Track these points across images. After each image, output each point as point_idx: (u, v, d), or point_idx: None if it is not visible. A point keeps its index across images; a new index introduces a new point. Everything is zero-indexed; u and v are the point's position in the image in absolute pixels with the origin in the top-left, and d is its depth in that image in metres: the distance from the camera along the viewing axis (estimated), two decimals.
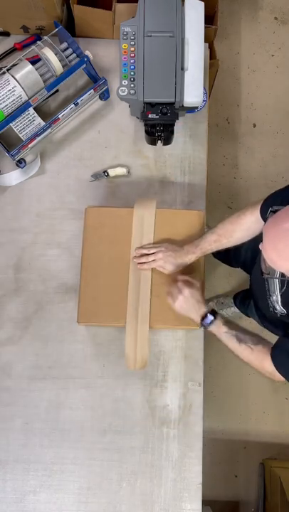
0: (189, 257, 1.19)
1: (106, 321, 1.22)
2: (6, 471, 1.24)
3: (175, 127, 1.33)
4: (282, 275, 0.89)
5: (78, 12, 1.44)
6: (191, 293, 1.13)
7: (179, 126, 1.43)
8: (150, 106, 1.27)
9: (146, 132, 1.33)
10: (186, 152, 1.44)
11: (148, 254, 1.20)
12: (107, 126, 1.47)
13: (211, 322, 1.11)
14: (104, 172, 1.41)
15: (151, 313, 1.21)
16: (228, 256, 1.69)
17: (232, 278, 2.10)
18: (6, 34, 1.51)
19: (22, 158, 1.37)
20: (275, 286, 1.08)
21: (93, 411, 1.27)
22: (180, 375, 1.29)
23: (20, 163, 1.37)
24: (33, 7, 1.38)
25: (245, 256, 1.50)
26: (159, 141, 1.35)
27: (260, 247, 0.86)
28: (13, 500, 1.23)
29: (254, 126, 2.24)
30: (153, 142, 1.37)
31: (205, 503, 1.26)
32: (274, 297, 1.09)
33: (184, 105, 1.27)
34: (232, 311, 1.97)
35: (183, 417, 1.27)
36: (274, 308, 1.11)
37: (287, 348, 1.00)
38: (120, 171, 1.41)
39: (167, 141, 1.36)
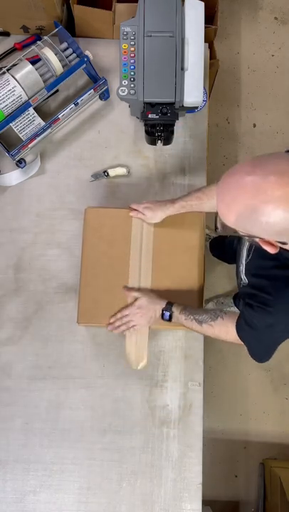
0: (168, 206, 1.22)
1: (106, 321, 1.22)
2: (6, 471, 1.24)
3: (175, 127, 1.33)
4: (236, 233, 0.87)
5: (78, 12, 1.44)
6: (139, 306, 1.19)
7: (179, 126, 1.43)
8: (150, 106, 1.27)
9: (146, 132, 1.33)
10: (186, 152, 1.44)
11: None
12: (107, 126, 1.47)
13: (170, 316, 1.17)
14: (104, 172, 1.41)
15: None
16: (223, 252, 1.70)
17: (232, 278, 2.10)
18: (6, 34, 1.51)
19: (22, 158, 1.37)
20: (243, 255, 1.09)
21: (93, 411, 1.27)
22: (180, 375, 1.29)
23: (21, 163, 1.37)
24: (33, 7, 1.38)
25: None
26: (159, 141, 1.35)
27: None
28: (13, 500, 1.23)
29: (254, 126, 2.24)
30: (153, 142, 1.37)
31: (205, 503, 1.27)
32: (241, 267, 1.10)
33: (184, 105, 1.27)
34: (232, 311, 1.97)
35: (183, 417, 1.27)
36: (241, 279, 1.11)
37: (245, 316, 1.03)
38: (120, 171, 1.41)
39: (167, 141, 1.36)
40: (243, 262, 1.08)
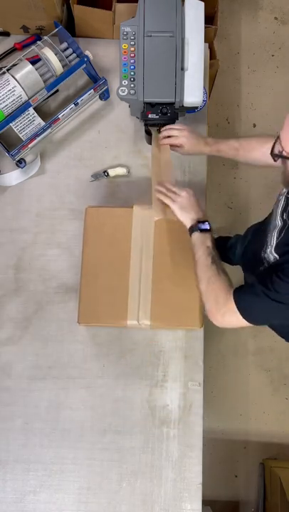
0: (206, 147, 1.21)
1: (106, 321, 1.22)
2: (6, 471, 1.24)
3: None
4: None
5: (78, 12, 1.44)
6: (191, 193, 1.13)
7: None
8: (150, 106, 1.27)
9: (147, 132, 1.33)
10: None
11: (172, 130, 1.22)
12: (107, 126, 1.47)
13: (205, 230, 1.08)
14: (104, 172, 1.41)
15: (151, 312, 1.21)
16: (226, 253, 1.70)
17: (232, 276, 2.10)
18: (6, 34, 1.51)
19: (22, 158, 1.37)
20: (273, 237, 1.08)
21: (93, 411, 1.27)
22: (180, 375, 1.29)
23: (21, 163, 1.37)
24: (33, 7, 1.38)
25: (243, 253, 1.49)
26: None
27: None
28: (13, 500, 1.23)
29: (254, 126, 2.24)
30: None
31: (205, 503, 1.26)
32: (268, 250, 1.08)
33: (184, 105, 1.27)
34: None
35: (183, 417, 1.27)
36: (267, 262, 1.08)
37: (255, 288, 0.97)
38: (120, 171, 1.41)
39: None
40: (273, 243, 1.06)
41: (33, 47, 1.33)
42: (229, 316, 1.00)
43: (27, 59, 1.33)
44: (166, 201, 1.14)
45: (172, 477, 1.24)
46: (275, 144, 0.94)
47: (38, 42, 1.35)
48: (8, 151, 1.35)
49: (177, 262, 1.24)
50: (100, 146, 1.45)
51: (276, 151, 0.93)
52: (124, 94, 1.26)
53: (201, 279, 1.05)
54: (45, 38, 1.34)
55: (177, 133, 1.23)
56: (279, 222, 1.07)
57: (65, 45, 1.39)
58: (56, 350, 1.31)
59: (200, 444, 1.26)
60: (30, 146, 1.36)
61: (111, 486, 1.23)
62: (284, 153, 0.90)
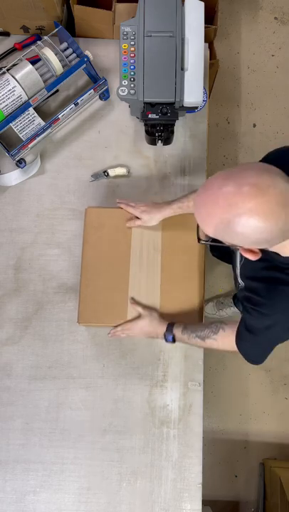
0: (165, 208, 1.22)
1: (106, 321, 1.22)
2: (6, 471, 1.24)
3: (175, 127, 1.33)
4: (213, 240, 0.89)
5: (78, 12, 1.44)
6: (143, 326, 1.19)
7: (179, 126, 1.43)
8: (150, 106, 1.27)
9: (147, 132, 1.33)
10: (186, 152, 1.44)
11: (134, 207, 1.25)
12: (107, 126, 1.47)
13: (173, 338, 1.17)
14: (104, 172, 1.41)
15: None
16: (223, 253, 1.70)
17: (232, 278, 2.10)
18: (6, 34, 1.51)
19: (22, 158, 1.37)
20: (237, 259, 1.11)
21: (93, 411, 1.27)
22: (180, 375, 1.29)
23: (20, 163, 1.37)
24: (33, 7, 1.38)
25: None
26: (159, 141, 1.35)
27: None
28: (13, 500, 1.23)
29: (254, 126, 2.24)
30: (153, 142, 1.37)
31: (205, 503, 1.27)
32: (237, 271, 1.12)
33: (184, 105, 1.27)
34: (232, 311, 1.97)
35: (183, 417, 1.27)
36: (238, 283, 1.13)
37: (245, 321, 1.04)
38: (120, 171, 1.41)
39: (167, 141, 1.36)
40: (238, 266, 1.09)
41: (33, 47, 1.33)
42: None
43: (27, 59, 1.33)
44: (123, 335, 1.23)
45: (172, 477, 1.24)
46: (198, 231, 0.94)
47: (38, 42, 1.35)
48: (8, 151, 1.35)
49: (176, 262, 1.25)
50: (100, 146, 1.45)
51: (204, 239, 0.94)
52: (124, 94, 1.26)
53: (215, 350, 1.16)
54: (45, 38, 1.34)
55: (138, 213, 1.24)
56: None
57: (65, 45, 1.39)
58: (56, 350, 1.31)
59: (200, 444, 1.26)
60: (30, 146, 1.36)
61: (111, 486, 1.24)
62: (211, 241, 0.90)
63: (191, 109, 1.39)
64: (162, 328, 1.18)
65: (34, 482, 1.24)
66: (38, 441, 1.26)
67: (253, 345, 1.06)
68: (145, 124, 1.32)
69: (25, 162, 1.38)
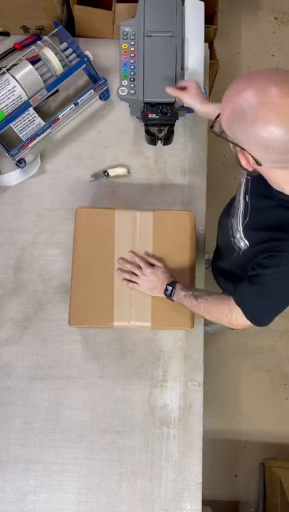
0: (203, 103, 1.17)
1: (98, 323, 1.21)
2: (6, 471, 1.24)
3: (175, 127, 1.33)
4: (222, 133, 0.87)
5: (78, 12, 1.44)
6: (154, 272, 1.19)
7: (179, 126, 1.43)
8: (150, 106, 1.27)
9: (147, 132, 1.33)
10: (186, 152, 1.44)
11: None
12: (107, 126, 1.47)
13: (172, 292, 1.16)
14: (104, 172, 1.41)
15: (142, 314, 1.20)
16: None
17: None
18: (6, 34, 1.51)
19: (22, 158, 1.37)
20: (238, 221, 1.07)
21: (93, 411, 1.27)
22: (180, 375, 1.29)
23: (20, 163, 1.37)
24: (33, 7, 1.38)
25: (216, 250, 1.48)
26: (159, 141, 1.36)
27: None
28: (13, 500, 1.23)
29: None
30: (153, 142, 1.37)
31: (205, 503, 1.27)
32: (237, 235, 1.09)
33: (184, 105, 1.27)
34: (218, 326, 1.90)
35: (183, 417, 1.27)
36: (239, 248, 1.09)
37: (244, 281, 1.01)
38: (120, 171, 1.41)
39: (167, 141, 1.36)
40: (240, 228, 1.06)
41: (33, 47, 1.33)
42: (241, 321, 1.03)
43: (27, 59, 1.33)
44: (130, 285, 1.21)
45: (172, 477, 1.24)
46: (215, 120, 0.90)
47: (38, 42, 1.35)
48: (8, 151, 1.35)
49: (168, 262, 1.24)
50: (100, 146, 1.45)
51: (216, 129, 0.90)
52: (124, 94, 1.26)
53: (202, 314, 1.13)
54: (45, 38, 1.34)
55: (186, 83, 1.19)
56: (242, 204, 1.06)
57: (65, 45, 1.39)
58: (56, 350, 1.31)
59: (200, 444, 1.26)
60: (30, 146, 1.36)
61: (111, 486, 1.24)
62: (223, 135, 0.86)
63: (191, 109, 1.39)
64: (167, 281, 1.18)
65: (34, 482, 1.24)
66: (38, 441, 1.26)
67: (260, 297, 0.99)
68: (145, 124, 1.32)
69: (25, 162, 1.38)
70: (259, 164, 0.82)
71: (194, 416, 1.27)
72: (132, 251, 1.24)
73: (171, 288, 1.16)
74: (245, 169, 0.86)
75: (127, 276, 1.21)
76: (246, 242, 1.04)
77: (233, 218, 1.10)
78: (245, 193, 1.04)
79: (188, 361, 1.30)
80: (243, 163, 0.84)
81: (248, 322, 1.02)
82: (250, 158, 0.82)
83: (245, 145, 0.80)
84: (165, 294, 1.18)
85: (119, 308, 1.20)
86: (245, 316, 1.01)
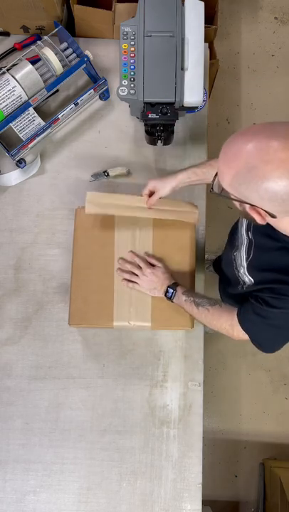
0: (179, 173, 1.18)
1: (98, 323, 1.21)
2: (6, 471, 1.24)
3: (175, 127, 1.33)
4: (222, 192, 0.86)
5: (78, 12, 1.44)
6: (154, 272, 1.19)
7: (179, 126, 1.43)
8: (150, 106, 1.27)
9: (147, 132, 1.33)
10: (186, 152, 1.44)
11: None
12: (107, 126, 1.47)
13: (172, 295, 1.17)
14: (104, 172, 1.41)
15: (142, 314, 1.20)
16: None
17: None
18: (6, 34, 1.51)
19: (22, 158, 1.37)
20: (242, 257, 1.08)
21: (93, 411, 1.27)
22: (180, 375, 1.29)
23: (20, 163, 1.37)
24: (33, 7, 1.38)
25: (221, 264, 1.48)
26: (159, 141, 1.35)
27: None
28: (13, 500, 1.23)
29: None
30: (153, 142, 1.37)
31: (205, 503, 1.27)
32: (241, 270, 1.09)
33: (184, 105, 1.27)
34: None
35: (183, 417, 1.27)
36: (243, 282, 1.10)
37: (254, 308, 1.01)
38: (120, 171, 1.41)
39: (167, 141, 1.36)
40: (244, 264, 1.07)
41: (33, 47, 1.33)
42: (242, 337, 1.07)
43: (27, 59, 1.33)
44: (130, 285, 1.21)
45: (172, 477, 1.24)
46: (213, 182, 0.89)
47: (38, 42, 1.35)
48: (8, 151, 1.35)
49: (167, 262, 1.24)
50: (100, 146, 1.45)
51: (216, 190, 0.88)
52: (124, 94, 1.26)
53: (202, 322, 1.15)
54: (45, 37, 1.34)
55: (151, 187, 1.20)
56: (245, 240, 1.07)
57: (65, 45, 1.39)
58: (56, 350, 1.31)
59: (200, 444, 1.26)
60: (30, 146, 1.36)
61: (111, 486, 1.24)
62: (223, 194, 0.85)
63: (191, 109, 1.39)
64: (170, 281, 1.18)
65: (34, 482, 1.24)
66: (38, 441, 1.26)
67: (265, 329, 1.01)
68: (145, 124, 1.32)
69: (25, 162, 1.38)
70: (274, 217, 0.81)
71: (194, 416, 1.27)
72: (131, 251, 1.24)
73: (172, 291, 1.17)
74: (260, 224, 0.85)
75: (127, 276, 1.21)
76: (250, 278, 1.05)
77: (237, 252, 1.10)
78: (248, 230, 1.05)
79: (188, 361, 1.30)
80: (257, 218, 0.83)
81: (247, 337, 1.05)
82: (263, 212, 0.81)
83: (256, 202, 0.79)
84: (165, 295, 1.18)
85: (118, 308, 1.20)
86: (253, 342, 1.05)
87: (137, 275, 1.20)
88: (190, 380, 1.29)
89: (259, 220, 0.83)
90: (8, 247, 1.38)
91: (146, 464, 1.25)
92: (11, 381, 1.29)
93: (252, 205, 0.80)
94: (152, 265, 1.22)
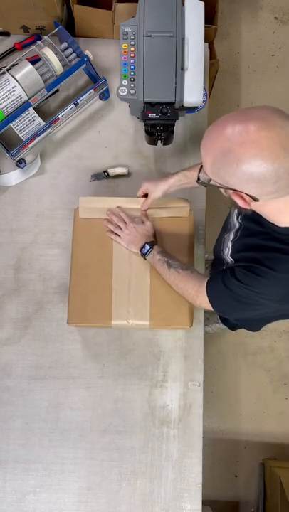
0: (170, 176, 1.21)
1: (96, 322, 1.21)
2: (6, 471, 1.24)
3: (175, 127, 1.33)
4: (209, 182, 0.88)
5: (78, 12, 1.44)
6: (136, 227, 1.22)
7: (179, 126, 1.43)
8: (150, 106, 1.27)
9: (147, 132, 1.33)
10: (186, 152, 1.44)
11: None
12: (107, 126, 1.47)
13: (148, 252, 1.19)
14: (104, 172, 1.41)
15: (141, 313, 1.20)
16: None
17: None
18: (6, 34, 1.51)
19: (22, 158, 1.37)
20: (229, 238, 1.09)
21: (93, 411, 1.27)
22: (180, 375, 1.29)
23: (20, 163, 1.37)
24: (33, 7, 1.38)
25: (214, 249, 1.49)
26: (159, 141, 1.35)
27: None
28: (13, 500, 1.23)
29: None
30: (153, 142, 1.37)
31: (205, 503, 1.27)
32: (226, 251, 1.10)
33: (184, 105, 1.27)
34: (218, 327, 1.92)
35: (183, 417, 1.27)
36: (226, 263, 1.11)
37: (220, 276, 1.02)
38: (120, 171, 1.41)
39: (167, 141, 1.36)
40: (229, 245, 1.08)
41: (33, 47, 1.33)
42: (205, 306, 1.08)
43: (27, 59, 1.33)
44: (112, 236, 1.24)
45: (172, 477, 1.24)
46: (199, 173, 0.91)
47: (38, 42, 1.35)
48: (8, 151, 1.35)
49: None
50: (100, 146, 1.45)
51: (203, 180, 0.90)
52: (124, 94, 1.26)
53: (170, 284, 1.16)
54: (45, 37, 1.34)
55: (144, 189, 1.24)
56: (236, 224, 1.07)
57: (65, 45, 1.39)
58: (56, 350, 1.31)
59: (200, 444, 1.26)
60: (30, 146, 1.36)
61: (111, 486, 1.24)
62: (211, 183, 0.87)
63: (191, 109, 1.39)
64: (146, 239, 1.20)
65: (34, 482, 1.24)
66: (38, 441, 1.26)
67: (228, 299, 1.01)
68: (145, 124, 1.32)
69: (25, 162, 1.38)
70: (256, 200, 0.83)
71: (194, 416, 1.27)
72: (119, 207, 1.27)
73: (148, 247, 1.18)
74: (244, 208, 0.86)
75: (112, 227, 1.24)
76: (232, 259, 1.06)
77: (227, 234, 1.11)
78: (238, 215, 1.07)
79: (188, 361, 1.30)
80: (240, 203, 0.85)
81: (210, 307, 1.06)
82: (246, 196, 0.83)
83: (237, 186, 0.81)
84: (141, 251, 1.20)
85: (117, 308, 1.20)
86: (214, 310, 1.06)
87: (121, 228, 1.23)
88: (190, 380, 1.29)
89: (242, 204, 0.85)
90: (8, 247, 1.38)
91: (146, 464, 1.25)
92: (11, 381, 1.29)
93: (234, 190, 0.82)
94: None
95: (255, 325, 1.36)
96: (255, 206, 0.86)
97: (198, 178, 0.91)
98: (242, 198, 0.83)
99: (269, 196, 0.81)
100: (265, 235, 0.93)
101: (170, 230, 1.26)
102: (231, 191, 0.84)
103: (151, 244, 1.19)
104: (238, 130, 0.75)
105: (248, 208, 0.86)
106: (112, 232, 1.24)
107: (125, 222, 1.24)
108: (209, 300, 1.05)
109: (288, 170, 0.75)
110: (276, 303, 0.96)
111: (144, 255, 1.20)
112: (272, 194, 0.80)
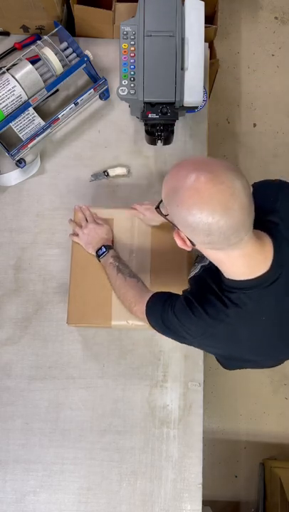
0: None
1: (96, 322, 1.21)
2: (6, 471, 1.24)
3: (175, 127, 1.33)
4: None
5: (78, 12, 1.44)
6: (95, 228, 1.23)
7: (179, 126, 1.43)
8: (150, 106, 1.27)
9: (147, 132, 1.33)
10: (186, 152, 1.44)
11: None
12: (107, 126, 1.46)
13: (103, 254, 1.20)
14: (104, 172, 1.41)
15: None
16: None
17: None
18: (6, 34, 1.51)
19: (22, 158, 1.37)
20: (196, 266, 1.11)
21: (93, 411, 1.27)
22: (180, 375, 1.29)
23: (20, 163, 1.37)
24: (33, 7, 1.38)
25: None
26: (159, 141, 1.35)
27: None
28: (13, 501, 1.23)
29: (254, 126, 2.24)
30: (153, 142, 1.37)
31: (205, 503, 1.26)
32: (193, 272, 1.12)
33: (184, 105, 1.27)
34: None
35: (183, 417, 1.27)
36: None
37: (163, 297, 1.02)
38: (120, 171, 1.41)
39: (167, 141, 1.36)
40: (199, 267, 1.09)
41: (33, 47, 1.33)
42: (140, 314, 1.07)
43: (27, 59, 1.33)
44: (74, 238, 1.26)
45: (172, 477, 1.24)
46: (160, 202, 0.92)
47: (38, 42, 1.35)
48: (8, 151, 1.35)
49: (165, 263, 1.24)
50: (100, 146, 1.45)
51: (162, 211, 0.91)
52: (124, 94, 1.26)
53: (114, 288, 1.18)
54: (45, 37, 1.34)
55: (142, 209, 1.25)
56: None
57: (65, 44, 1.39)
58: (56, 350, 1.31)
59: (200, 444, 1.26)
60: (30, 146, 1.36)
61: (111, 486, 1.23)
62: (168, 217, 0.87)
63: (191, 109, 1.39)
64: (106, 242, 1.22)
65: (34, 482, 1.24)
66: (38, 441, 1.26)
67: (160, 328, 1.03)
68: (145, 124, 1.31)
69: (25, 162, 1.38)
70: (193, 245, 0.84)
71: (194, 416, 1.27)
72: (85, 205, 1.29)
73: (104, 250, 1.20)
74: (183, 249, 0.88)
75: (72, 226, 1.27)
76: (189, 280, 1.06)
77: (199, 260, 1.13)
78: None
79: (188, 361, 1.30)
80: (179, 243, 0.87)
81: (144, 319, 1.05)
82: (185, 238, 0.85)
83: (179, 226, 0.83)
84: (97, 252, 1.21)
85: (117, 308, 1.20)
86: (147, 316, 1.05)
87: (81, 227, 1.24)
88: (190, 380, 1.29)
89: (180, 245, 0.87)
90: (8, 247, 1.38)
91: (147, 464, 1.25)
92: (11, 381, 1.29)
93: (177, 228, 0.84)
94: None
95: (228, 364, 1.33)
96: (202, 250, 0.87)
97: (158, 206, 0.92)
98: (182, 238, 0.85)
99: (203, 246, 0.83)
100: (217, 278, 0.92)
101: (169, 231, 1.25)
102: (175, 229, 0.85)
103: (108, 248, 1.21)
104: (191, 176, 0.76)
105: (188, 249, 0.87)
106: (73, 234, 1.26)
107: (86, 221, 1.25)
108: (146, 316, 1.04)
109: (221, 228, 0.75)
110: (195, 339, 0.97)
111: (98, 257, 1.21)
112: (205, 244, 0.82)
